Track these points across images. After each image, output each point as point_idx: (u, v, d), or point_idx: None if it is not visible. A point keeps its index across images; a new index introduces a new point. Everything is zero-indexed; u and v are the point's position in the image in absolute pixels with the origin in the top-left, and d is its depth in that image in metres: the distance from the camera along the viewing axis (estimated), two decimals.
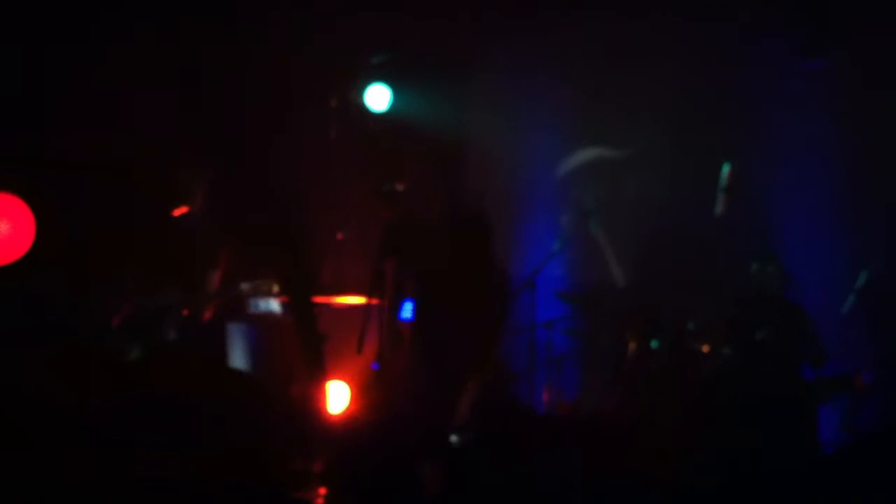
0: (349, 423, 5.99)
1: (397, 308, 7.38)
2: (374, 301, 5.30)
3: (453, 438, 4.33)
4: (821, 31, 6.71)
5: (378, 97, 7.38)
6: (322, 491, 5.00)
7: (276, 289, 5.50)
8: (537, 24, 7.20)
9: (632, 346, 6.17)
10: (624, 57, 7.18)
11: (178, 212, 5.40)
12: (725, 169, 5.81)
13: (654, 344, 6.12)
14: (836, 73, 6.75)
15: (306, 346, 6.11)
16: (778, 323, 5.83)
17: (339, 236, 7.00)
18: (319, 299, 5.71)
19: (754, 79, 6.96)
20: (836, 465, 4.70)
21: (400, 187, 5.40)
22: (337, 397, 6.76)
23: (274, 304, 6.12)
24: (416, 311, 5.33)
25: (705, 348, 6.05)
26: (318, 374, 6.14)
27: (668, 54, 7.16)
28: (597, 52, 7.24)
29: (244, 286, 5.34)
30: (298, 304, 6.23)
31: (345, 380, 6.79)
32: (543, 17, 7.11)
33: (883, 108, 6.60)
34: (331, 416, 6.30)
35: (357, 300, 6.30)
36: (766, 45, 6.86)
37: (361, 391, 6.45)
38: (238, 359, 6.09)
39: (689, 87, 7.15)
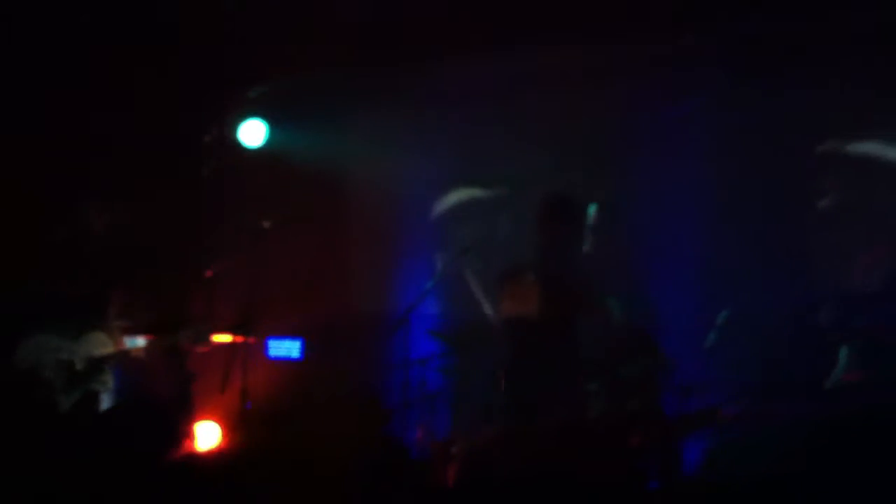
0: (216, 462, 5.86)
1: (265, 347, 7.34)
2: (241, 339, 5.22)
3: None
4: (689, 76, 6.96)
5: (253, 132, 7.33)
6: None
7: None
8: (416, 64, 7.27)
9: (504, 381, 6.21)
10: (501, 97, 7.30)
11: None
12: (591, 210, 5.94)
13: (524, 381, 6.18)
14: (704, 117, 6.98)
15: (174, 386, 5.97)
16: (640, 358, 5.98)
17: (209, 273, 6.90)
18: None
19: (625, 121, 7.16)
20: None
21: (266, 225, 5.36)
22: (206, 437, 6.63)
23: (140, 342, 5.98)
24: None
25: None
26: (186, 414, 6.00)
27: (543, 95, 7.32)
28: (475, 93, 7.35)
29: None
30: (166, 342, 6.10)
31: (215, 420, 6.68)
32: (423, 57, 7.19)
33: (748, 150, 6.85)
34: (199, 455, 6.17)
35: (226, 338, 6.20)
36: (636, 88, 7.07)
37: (232, 431, 6.35)
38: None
39: (562, 128, 7.32)
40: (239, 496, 4.45)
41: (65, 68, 6.27)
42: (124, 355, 5.53)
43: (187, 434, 5.98)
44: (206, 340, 5.17)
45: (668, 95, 7.05)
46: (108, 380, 5.41)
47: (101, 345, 5.39)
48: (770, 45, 6.62)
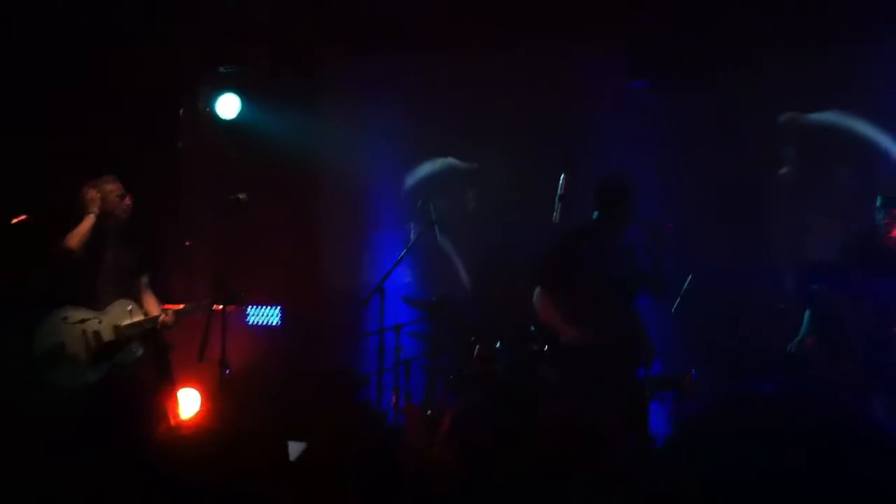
0: (199, 430, 5.99)
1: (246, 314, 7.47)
2: (218, 308, 5.34)
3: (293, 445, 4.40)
4: (644, 54, 7.11)
5: (227, 106, 7.43)
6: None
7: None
8: (390, 42, 7.38)
9: (477, 348, 6.38)
10: (471, 74, 7.44)
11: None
12: (561, 179, 6.09)
13: (498, 346, 6.35)
14: (659, 92, 7.14)
15: (153, 355, 6.07)
16: None
17: (187, 244, 7.01)
18: (166, 306, 5.69)
19: (586, 97, 7.32)
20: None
21: (243, 196, 5.46)
22: (188, 404, 6.77)
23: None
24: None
25: (545, 350, 6.31)
26: (167, 383, 6.11)
27: (510, 73, 7.48)
28: (449, 71, 7.48)
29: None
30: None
31: (195, 387, 6.82)
32: (396, 37, 7.31)
33: (704, 121, 7.04)
34: (182, 422, 6.30)
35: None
36: (595, 66, 7.22)
37: (213, 397, 6.48)
38: None
39: (528, 104, 7.48)
40: (221, 465, 4.58)
41: (38, 45, 6.31)
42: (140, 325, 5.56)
43: (169, 403, 6.09)
44: (210, 310, 5.23)
45: (626, 73, 7.20)
46: (137, 349, 5.42)
47: (125, 314, 5.41)
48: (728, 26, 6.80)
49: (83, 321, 5.31)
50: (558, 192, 6.10)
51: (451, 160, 7.95)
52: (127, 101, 6.68)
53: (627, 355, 5.29)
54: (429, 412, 6.21)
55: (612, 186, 5.32)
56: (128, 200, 5.52)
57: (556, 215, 6.07)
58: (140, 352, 5.48)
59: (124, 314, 5.46)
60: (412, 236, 7.32)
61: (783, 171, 7.17)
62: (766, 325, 6.46)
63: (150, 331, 5.51)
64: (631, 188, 5.35)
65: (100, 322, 5.36)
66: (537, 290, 5.40)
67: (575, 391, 5.09)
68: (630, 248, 5.35)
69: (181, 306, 5.58)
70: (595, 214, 5.40)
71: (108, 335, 5.36)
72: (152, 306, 5.59)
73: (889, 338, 5.43)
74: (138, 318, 5.48)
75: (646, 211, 6.96)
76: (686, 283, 6.40)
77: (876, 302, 5.40)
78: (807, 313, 5.79)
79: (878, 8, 6.48)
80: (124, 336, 5.40)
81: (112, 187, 5.47)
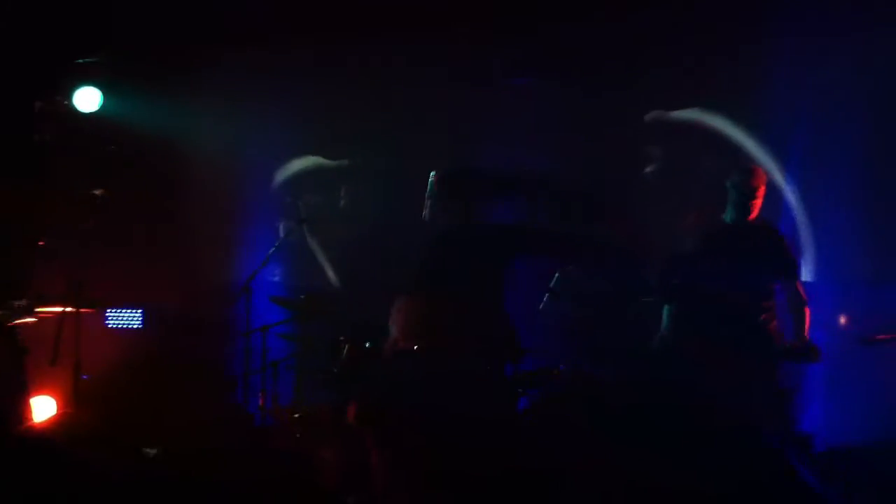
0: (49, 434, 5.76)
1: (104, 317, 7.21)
2: (71, 310, 5.13)
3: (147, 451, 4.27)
4: (528, 50, 7.17)
5: (87, 99, 7.16)
6: None
7: None
8: (262, 38, 7.23)
9: (346, 347, 6.30)
10: (345, 72, 7.36)
11: None
12: (431, 176, 6.06)
13: (368, 345, 6.29)
14: (543, 88, 7.21)
15: (5, 360, 5.81)
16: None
17: (41, 243, 6.72)
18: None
19: (467, 93, 7.33)
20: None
21: (98, 192, 5.26)
22: (43, 412, 6.49)
23: None
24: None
25: (417, 347, 6.28)
26: (21, 389, 5.85)
27: (384, 70, 7.43)
28: (320, 66, 7.38)
29: None
30: None
31: (50, 393, 6.54)
32: (269, 33, 7.16)
33: (578, 121, 7.12)
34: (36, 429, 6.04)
35: (59, 310, 6.07)
36: (478, 63, 7.24)
37: (69, 404, 6.24)
38: None
39: (404, 100, 7.45)
40: (78, 470, 4.40)
41: None
42: None
43: (23, 409, 5.83)
44: (31, 313, 5.00)
45: (504, 70, 7.24)
46: None
47: None
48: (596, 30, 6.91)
49: None
50: (428, 189, 6.09)
51: (319, 158, 7.84)
52: None
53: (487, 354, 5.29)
54: (297, 415, 6.10)
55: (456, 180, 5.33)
56: None
57: (426, 213, 6.06)
58: None
59: None
60: (282, 234, 7.20)
61: (649, 169, 7.31)
62: (634, 320, 6.58)
63: None
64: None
65: None
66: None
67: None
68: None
69: None
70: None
71: None
72: None
73: (751, 326, 5.57)
74: None
75: (516, 209, 7.05)
76: (553, 281, 6.45)
77: (732, 292, 5.53)
78: (665, 308, 5.90)
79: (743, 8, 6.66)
80: None
81: None
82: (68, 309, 5.09)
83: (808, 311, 5.55)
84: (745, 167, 5.84)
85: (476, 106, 7.29)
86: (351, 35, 7.14)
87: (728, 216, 5.67)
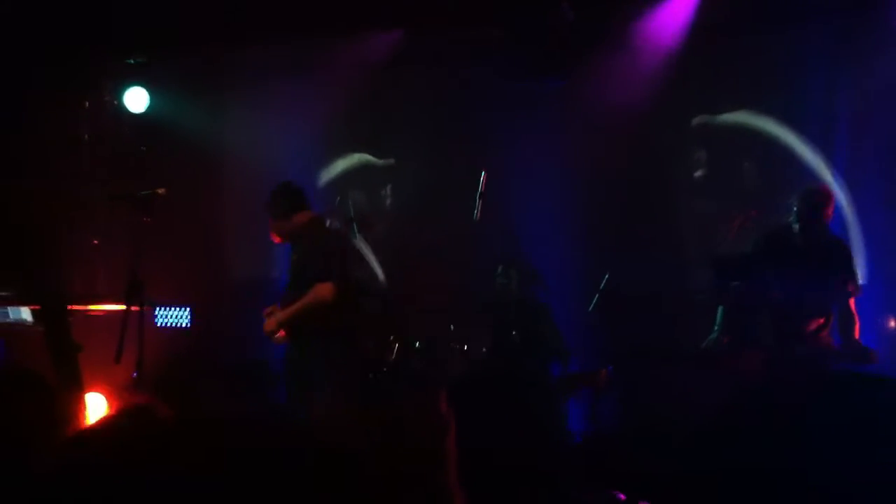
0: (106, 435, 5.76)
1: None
2: (134, 308, 5.14)
3: None
4: (555, 54, 7.15)
5: (136, 99, 7.20)
6: None
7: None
8: (306, 36, 7.26)
9: (396, 346, 6.33)
10: (386, 70, 7.38)
11: None
12: (482, 176, 6.09)
13: (417, 344, 6.33)
14: (572, 92, 7.20)
15: (59, 357, 5.83)
16: (526, 323, 6.21)
17: (95, 242, 6.75)
18: (73, 307, 5.46)
19: (500, 95, 7.34)
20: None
21: (162, 191, 5.27)
22: (94, 409, 6.51)
23: (25, 314, 5.82)
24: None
25: (464, 348, 6.32)
26: (74, 386, 5.87)
27: (425, 70, 7.46)
28: (362, 65, 7.40)
29: None
30: (50, 313, 5.94)
31: (101, 391, 6.56)
32: (312, 31, 7.19)
33: (613, 122, 7.11)
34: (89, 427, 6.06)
35: (113, 307, 6.09)
36: (507, 65, 7.24)
37: (119, 401, 6.25)
38: None
39: (444, 101, 7.48)
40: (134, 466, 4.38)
41: None
42: (8, 328, 5.33)
43: (77, 406, 5.85)
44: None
45: (536, 72, 7.23)
46: None
47: None
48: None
49: None
50: (479, 189, 6.12)
51: (366, 156, 7.87)
52: (31, 95, 6.39)
53: None
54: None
55: None
56: None
57: (477, 213, 6.09)
58: None
59: None
60: None
61: (698, 173, 7.32)
62: (681, 321, 6.59)
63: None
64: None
65: None
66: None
67: None
68: None
69: None
70: None
71: None
72: None
73: (799, 334, 5.58)
74: None
75: (560, 208, 7.04)
76: (603, 282, 6.46)
77: (788, 298, 5.53)
78: (720, 309, 5.89)
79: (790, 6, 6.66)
80: None
81: None
82: (130, 308, 5.09)
83: (857, 320, 5.57)
84: (814, 187, 5.84)
85: (516, 106, 7.29)
86: (393, 34, 7.18)
87: (795, 229, 5.63)
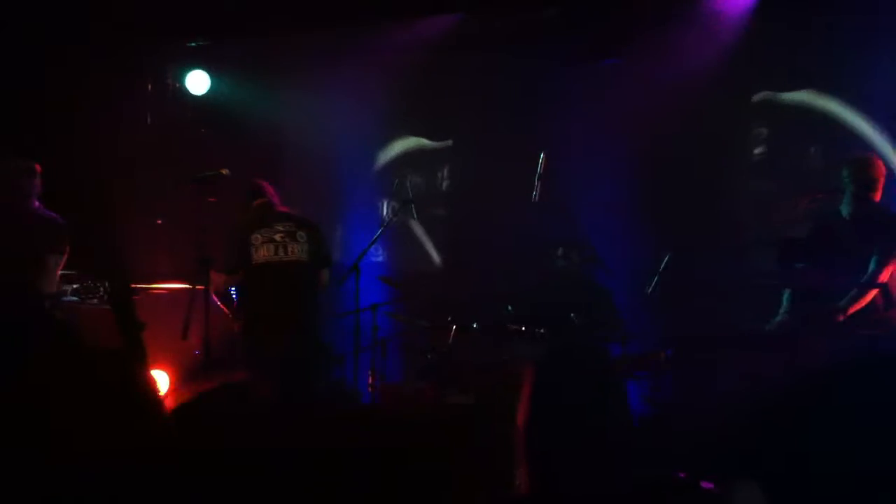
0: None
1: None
2: (200, 287, 5.24)
3: None
4: (612, 32, 7.08)
5: (197, 82, 7.29)
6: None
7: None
8: (356, 17, 7.28)
9: (453, 327, 6.34)
10: (443, 53, 7.38)
11: None
12: (541, 158, 6.07)
13: (475, 326, 6.33)
14: (629, 71, 7.13)
15: (125, 335, 5.95)
16: (586, 304, 6.19)
17: (159, 222, 6.87)
18: (138, 286, 5.57)
19: (555, 75, 7.30)
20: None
21: (226, 172, 5.34)
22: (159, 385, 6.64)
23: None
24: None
25: (523, 330, 6.31)
26: (141, 363, 5.99)
27: (481, 52, 7.44)
28: (419, 48, 7.41)
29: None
30: (116, 291, 6.07)
31: (164, 368, 6.69)
32: (368, 16, 7.21)
33: (671, 101, 7.03)
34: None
35: (177, 286, 6.20)
36: (563, 45, 7.19)
37: (183, 379, 6.37)
38: None
39: (500, 82, 7.45)
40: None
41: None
42: (76, 307, 5.43)
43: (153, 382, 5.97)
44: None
45: (594, 50, 7.16)
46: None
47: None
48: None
49: None
50: (538, 171, 6.10)
51: (421, 139, 7.88)
52: (96, 80, 6.50)
53: None
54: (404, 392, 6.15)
55: None
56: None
57: (536, 194, 6.08)
58: None
59: None
60: (386, 215, 7.25)
61: (757, 150, 7.21)
62: (740, 303, 6.51)
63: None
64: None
65: None
66: None
67: None
68: None
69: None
70: None
71: None
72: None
73: (864, 314, 5.49)
74: None
75: (618, 187, 6.98)
76: (664, 262, 6.39)
77: (848, 279, 5.45)
78: (786, 293, 5.81)
79: None
80: None
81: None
82: (197, 286, 5.18)
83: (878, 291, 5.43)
84: (862, 157, 5.72)
85: (571, 86, 7.24)
86: (451, 17, 7.17)
87: (845, 207, 5.54)
